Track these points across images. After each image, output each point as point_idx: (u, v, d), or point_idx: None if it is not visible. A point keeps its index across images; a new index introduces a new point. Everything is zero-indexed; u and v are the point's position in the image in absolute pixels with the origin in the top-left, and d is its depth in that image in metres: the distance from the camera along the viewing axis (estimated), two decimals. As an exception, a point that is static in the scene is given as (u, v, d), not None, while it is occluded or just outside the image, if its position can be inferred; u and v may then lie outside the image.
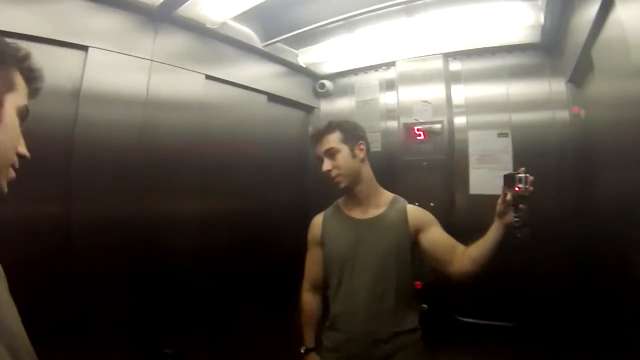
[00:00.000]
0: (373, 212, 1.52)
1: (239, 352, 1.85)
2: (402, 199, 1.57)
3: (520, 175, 1.21)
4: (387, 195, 1.57)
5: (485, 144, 2.02)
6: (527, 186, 1.21)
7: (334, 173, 1.48)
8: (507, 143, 1.96)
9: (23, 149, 0.67)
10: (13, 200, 1.14)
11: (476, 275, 1.35)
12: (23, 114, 0.66)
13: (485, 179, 1.99)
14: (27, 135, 1.19)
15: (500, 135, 1.98)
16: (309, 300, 1.62)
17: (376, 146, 2.34)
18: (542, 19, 1.77)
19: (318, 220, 1.63)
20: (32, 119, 1.14)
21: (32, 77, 0.68)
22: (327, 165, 1.49)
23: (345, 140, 1.51)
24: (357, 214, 1.54)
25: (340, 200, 1.63)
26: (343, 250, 1.49)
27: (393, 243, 1.44)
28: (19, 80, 0.64)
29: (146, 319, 1.51)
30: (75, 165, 1.34)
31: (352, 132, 1.54)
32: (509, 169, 1.81)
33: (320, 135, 1.54)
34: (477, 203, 1.94)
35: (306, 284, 1.64)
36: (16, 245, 1.13)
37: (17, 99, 0.63)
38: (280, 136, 2.36)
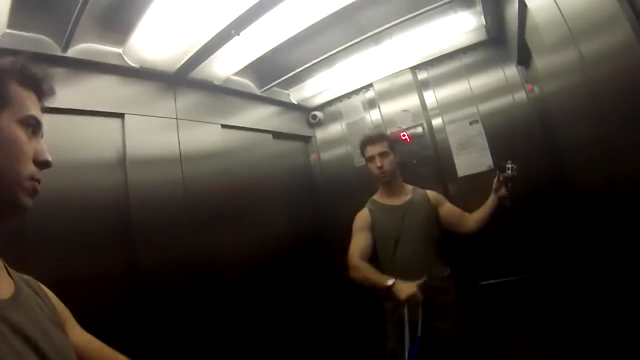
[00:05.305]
0: (404, 199, 1.99)
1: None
2: (419, 188, 2.04)
3: (508, 165, 1.78)
4: (408, 186, 2.05)
5: (461, 133, 2.35)
6: (513, 172, 1.76)
7: (384, 169, 1.92)
8: (479, 128, 2.30)
9: (42, 156, 0.65)
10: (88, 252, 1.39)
11: (478, 232, 1.85)
12: (32, 124, 0.65)
13: (467, 162, 2.31)
14: (86, 203, 1.49)
15: (471, 123, 2.33)
16: (363, 262, 1.76)
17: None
18: (483, 21, 2.14)
19: (365, 212, 2.01)
20: (89, 186, 1.49)
21: (35, 83, 0.67)
22: (379, 163, 1.92)
23: (391, 147, 1.97)
24: (393, 201, 1.98)
25: (375, 196, 2.07)
26: (392, 229, 1.90)
27: (425, 217, 1.92)
28: (19, 93, 0.63)
29: (203, 324, 1.71)
30: (135, 223, 1.59)
31: (393, 142, 2.03)
32: (486, 150, 2.24)
33: (375, 140, 1.97)
34: (466, 183, 2.25)
35: (356, 255, 1.79)
36: (94, 288, 1.37)
37: (16, 112, 0.62)
38: (287, 166, 2.67)
